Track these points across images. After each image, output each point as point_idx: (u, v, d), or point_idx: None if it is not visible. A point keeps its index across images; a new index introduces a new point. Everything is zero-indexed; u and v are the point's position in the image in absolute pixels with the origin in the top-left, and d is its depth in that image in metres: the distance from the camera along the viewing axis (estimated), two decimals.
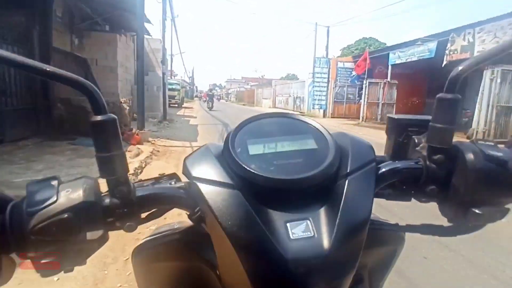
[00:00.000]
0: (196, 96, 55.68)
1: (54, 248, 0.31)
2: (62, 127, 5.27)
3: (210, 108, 23.50)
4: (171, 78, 28.87)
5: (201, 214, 0.38)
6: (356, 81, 17.59)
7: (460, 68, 0.37)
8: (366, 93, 14.74)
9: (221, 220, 0.33)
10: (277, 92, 29.82)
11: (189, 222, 0.43)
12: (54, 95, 5.24)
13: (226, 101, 52.36)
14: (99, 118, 0.34)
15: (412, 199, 0.44)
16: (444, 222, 0.43)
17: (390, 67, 14.36)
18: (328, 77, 17.51)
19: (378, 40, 34.68)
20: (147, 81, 12.03)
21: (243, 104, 39.03)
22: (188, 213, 0.40)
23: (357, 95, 17.73)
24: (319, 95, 17.81)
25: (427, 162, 0.41)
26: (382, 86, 14.62)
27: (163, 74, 10.91)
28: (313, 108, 18.57)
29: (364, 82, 14.83)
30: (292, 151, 0.40)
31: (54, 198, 0.32)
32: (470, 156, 0.38)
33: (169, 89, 19.09)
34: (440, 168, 0.40)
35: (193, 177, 0.37)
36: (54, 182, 0.34)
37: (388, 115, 0.51)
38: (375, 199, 0.39)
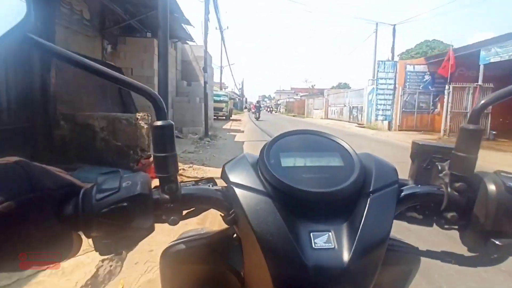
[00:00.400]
0: (246, 108, 55.27)
1: (112, 230, 0.36)
2: (65, 151, 4.03)
3: (257, 118, 25.19)
4: (220, 89, 28.56)
5: (235, 217, 0.40)
6: (430, 87, 14.69)
7: (482, 102, 0.39)
8: (449, 101, 11.93)
9: (253, 223, 0.37)
10: (329, 102, 27.59)
11: (214, 229, 0.52)
12: (56, 110, 4.03)
13: (275, 112, 50.83)
14: (159, 123, 0.39)
15: (434, 224, 0.45)
16: (464, 251, 0.44)
17: (481, 67, 11.35)
18: (395, 83, 14.92)
19: (443, 42, 30.19)
20: (190, 91, 10.87)
21: (293, 115, 37.66)
22: (222, 214, 0.43)
23: (431, 103, 14.84)
24: (384, 104, 15.27)
25: (449, 189, 0.42)
26: (471, 91, 11.68)
27: (205, 83, 9.61)
28: (376, 119, 15.98)
29: (447, 87, 12.02)
30: (320, 166, 0.44)
31: (117, 189, 0.36)
32: (491, 186, 0.39)
33: (216, 101, 18.68)
34: (461, 196, 0.41)
35: (231, 182, 0.41)
36: (118, 175, 0.38)
37: (413, 140, 0.51)
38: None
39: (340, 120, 22.73)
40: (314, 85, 64.52)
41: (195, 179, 0.48)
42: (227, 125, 17.09)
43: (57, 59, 0.35)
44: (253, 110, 35.44)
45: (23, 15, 0.32)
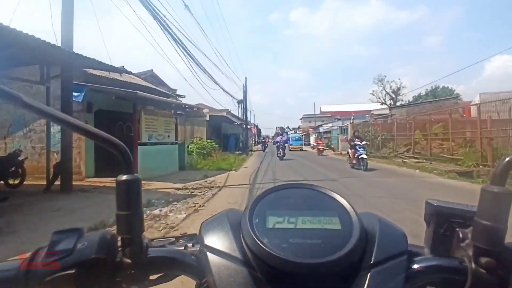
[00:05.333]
0: (260, 143, 42.18)
1: None
2: None
3: (281, 158, 17.56)
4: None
5: (207, 287, 0.35)
6: None
7: (507, 159, 0.33)
8: None
9: None
10: None
11: None
12: None
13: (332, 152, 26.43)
14: (124, 177, 0.36)
15: None
16: None
17: None
18: None
19: None
20: None
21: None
22: (196, 282, 0.38)
23: None
24: None
25: (473, 265, 0.34)
26: None
27: None
28: None
29: None
30: (312, 229, 0.37)
31: (69, 251, 0.32)
32: None
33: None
34: (490, 275, 0.33)
35: (205, 245, 0.36)
36: (76, 234, 0.35)
37: (426, 200, 0.42)
38: None
39: None
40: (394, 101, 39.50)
41: (176, 236, 0.44)
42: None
43: (27, 110, 0.34)
44: (266, 144, 29.38)
45: None
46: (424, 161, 12.93)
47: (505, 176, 0.33)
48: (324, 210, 0.39)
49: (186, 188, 7.65)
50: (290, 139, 30.89)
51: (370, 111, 28.24)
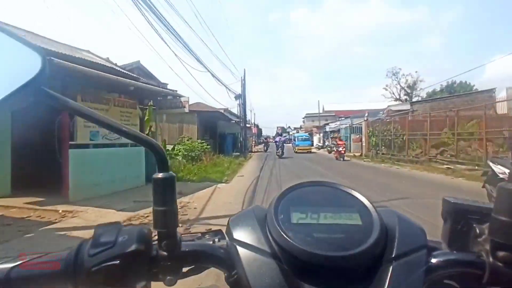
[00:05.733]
0: (262, 143, 39.64)
1: None
2: None
3: (280, 156, 19.00)
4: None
5: (237, 278, 0.37)
6: None
7: None
8: None
9: None
10: None
11: None
12: None
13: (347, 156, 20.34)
14: (160, 175, 0.38)
15: None
16: None
17: None
18: None
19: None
20: None
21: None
22: (225, 274, 0.39)
23: None
24: None
25: (491, 259, 0.35)
26: None
27: None
28: None
29: None
30: (334, 224, 0.39)
31: (112, 243, 0.34)
32: None
33: None
34: (507, 267, 0.35)
35: (234, 239, 0.38)
36: (117, 227, 0.37)
37: (443, 197, 0.44)
38: None
39: None
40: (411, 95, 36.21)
41: (202, 232, 0.46)
42: None
43: (69, 111, 0.36)
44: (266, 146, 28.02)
45: (38, 68, 0.34)
46: (476, 167, 9.77)
47: None
48: (344, 206, 0.41)
49: (133, 220, 4.56)
50: (296, 139, 27.18)
51: (383, 109, 25.12)
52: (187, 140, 16.03)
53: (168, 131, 17.74)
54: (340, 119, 34.44)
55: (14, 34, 0.36)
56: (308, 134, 33.20)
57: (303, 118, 63.23)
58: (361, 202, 0.42)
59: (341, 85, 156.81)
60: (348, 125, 26.09)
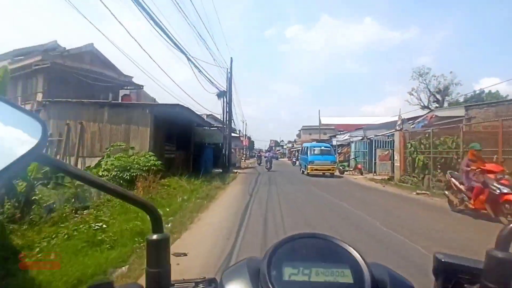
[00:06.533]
0: (254, 156, 36.89)
1: None
2: None
3: (269, 169, 18.96)
4: None
5: None
6: None
7: (511, 225, 0.34)
8: None
9: None
10: None
11: None
12: None
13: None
14: (155, 237, 0.39)
15: None
16: None
17: None
18: None
19: None
20: None
21: None
22: None
23: None
24: None
25: None
26: None
27: None
28: None
29: None
30: (325, 282, 0.38)
31: None
32: None
33: None
34: None
35: None
36: (109, 287, 0.39)
37: (435, 254, 0.43)
38: None
39: None
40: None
41: (196, 280, 0.46)
42: None
43: (65, 174, 0.39)
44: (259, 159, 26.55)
45: (40, 136, 0.36)
46: None
47: (509, 241, 0.33)
48: (336, 262, 0.41)
49: None
50: (308, 151, 16.40)
51: (381, 123, 19.43)
52: (125, 150, 9.76)
53: (109, 134, 11.55)
54: (341, 132, 28.84)
55: (16, 104, 0.40)
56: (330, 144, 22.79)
57: (300, 130, 57.05)
58: (353, 257, 0.41)
59: (336, 101, 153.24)
60: (362, 138, 20.11)
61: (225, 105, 16.72)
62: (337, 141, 25.14)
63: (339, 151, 24.05)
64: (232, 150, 25.40)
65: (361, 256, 0.41)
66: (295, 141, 63.87)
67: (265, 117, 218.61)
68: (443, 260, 0.41)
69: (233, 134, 24.28)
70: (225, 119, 17.51)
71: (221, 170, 15.54)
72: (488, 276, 0.35)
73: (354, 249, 0.43)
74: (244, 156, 45.62)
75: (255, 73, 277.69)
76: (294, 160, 29.77)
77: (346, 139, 23.27)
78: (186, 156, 14.72)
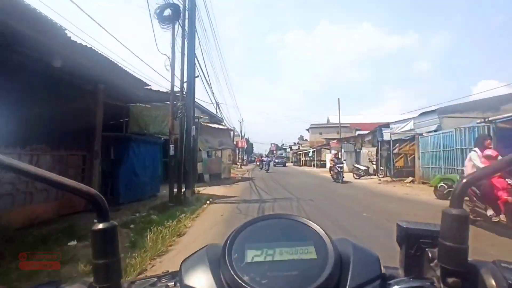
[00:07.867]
0: (253, 161, 35.31)
1: None
2: None
3: (267, 171, 23.92)
4: None
5: None
6: None
7: (464, 181, 0.35)
8: None
9: None
10: None
11: None
12: None
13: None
14: (101, 226, 0.36)
15: None
16: None
17: None
18: None
19: None
20: None
21: None
22: None
23: None
24: None
25: (441, 285, 0.36)
26: None
27: None
28: None
29: None
30: (289, 260, 0.38)
31: None
32: (491, 281, 0.34)
33: None
34: None
35: (185, 285, 0.37)
36: (54, 286, 0.36)
37: (397, 221, 0.44)
38: None
39: None
40: None
41: (158, 275, 0.44)
42: None
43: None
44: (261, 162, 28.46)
45: None
46: None
47: (462, 198, 0.35)
48: (299, 240, 0.40)
49: None
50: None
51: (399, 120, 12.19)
52: None
53: None
54: (354, 131, 24.81)
55: None
56: (314, 150, 18.58)
57: (307, 129, 48.85)
58: (317, 233, 0.41)
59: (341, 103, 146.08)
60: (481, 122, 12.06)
61: (174, 31, 7.85)
62: (392, 133, 14.98)
63: (394, 151, 15.17)
64: (218, 151, 17.23)
65: (325, 232, 0.41)
66: (299, 143, 55.63)
67: (266, 119, 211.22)
68: (404, 226, 0.42)
69: (217, 126, 16.09)
70: (182, 75, 8.29)
71: (175, 193, 7.32)
72: (445, 235, 0.35)
73: (319, 226, 0.42)
74: (241, 160, 37.49)
75: (255, 75, 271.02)
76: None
77: (411, 130, 13.69)
78: (103, 164, 6.60)
